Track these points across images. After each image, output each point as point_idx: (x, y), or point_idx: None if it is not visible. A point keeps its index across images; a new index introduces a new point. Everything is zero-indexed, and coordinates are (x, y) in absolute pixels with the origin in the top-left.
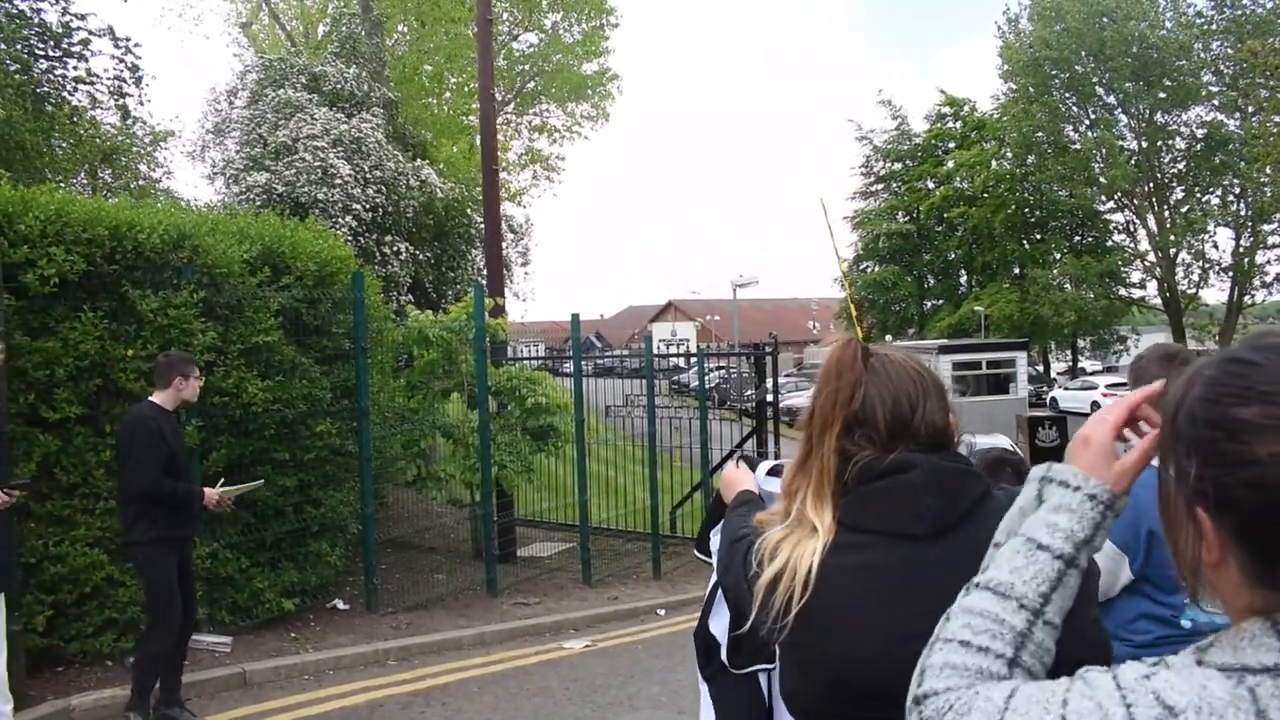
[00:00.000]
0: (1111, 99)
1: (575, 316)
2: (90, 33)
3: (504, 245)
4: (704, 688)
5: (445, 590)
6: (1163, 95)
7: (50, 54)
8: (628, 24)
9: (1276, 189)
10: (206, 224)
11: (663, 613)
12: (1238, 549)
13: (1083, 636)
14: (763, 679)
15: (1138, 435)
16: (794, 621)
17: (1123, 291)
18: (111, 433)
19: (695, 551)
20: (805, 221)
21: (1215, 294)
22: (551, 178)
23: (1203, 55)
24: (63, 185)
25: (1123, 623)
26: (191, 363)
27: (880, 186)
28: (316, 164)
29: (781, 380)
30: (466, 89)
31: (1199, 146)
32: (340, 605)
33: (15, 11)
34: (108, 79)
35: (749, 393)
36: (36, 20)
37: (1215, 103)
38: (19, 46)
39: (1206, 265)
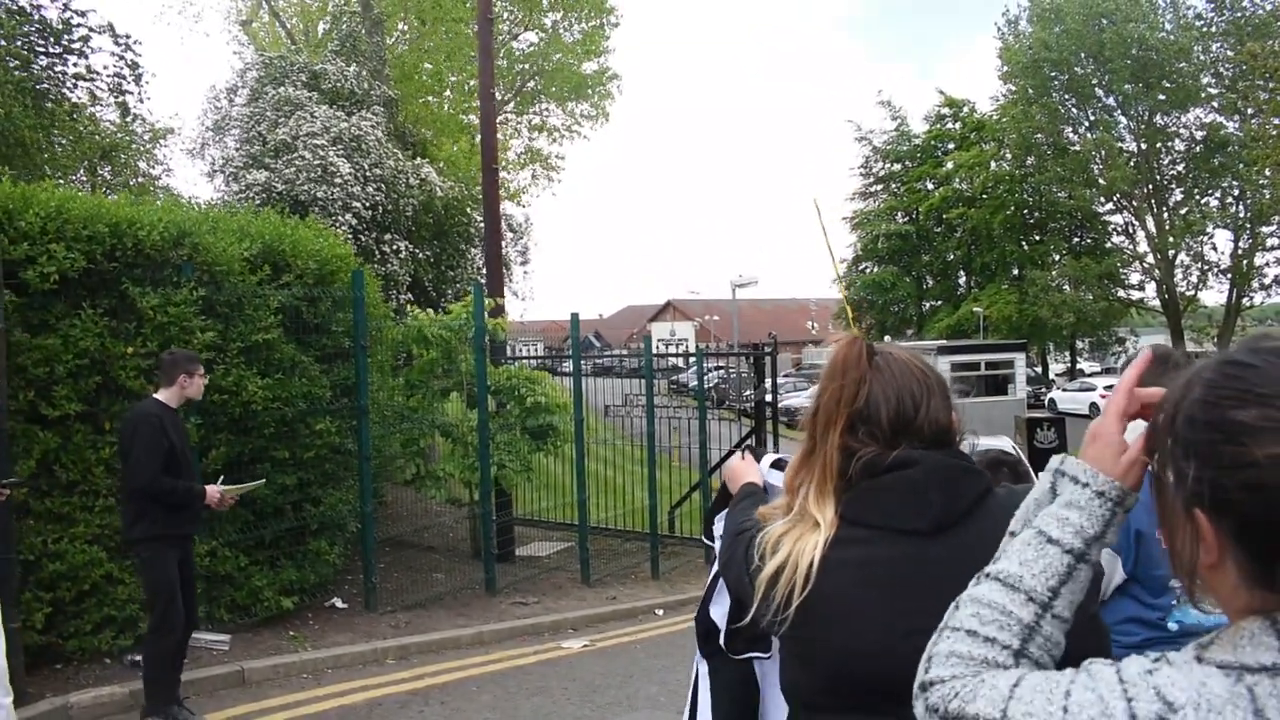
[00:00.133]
0: (1111, 101)
1: (574, 316)
2: (90, 29)
3: (503, 244)
4: (701, 665)
5: (444, 589)
6: (1162, 97)
7: (50, 50)
8: (628, 24)
9: (1275, 191)
10: (206, 222)
11: (661, 613)
12: (1236, 550)
13: (1083, 631)
14: (757, 666)
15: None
16: (795, 614)
17: (1121, 293)
18: (111, 430)
19: (703, 537)
20: (805, 222)
21: (1214, 296)
22: (551, 177)
23: (1202, 57)
24: (62, 182)
25: (1111, 624)
26: (196, 360)
27: (879, 187)
28: (316, 162)
29: (780, 380)
30: (466, 87)
31: (1198, 148)
32: (339, 604)
33: (15, 8)
34: (108, 76)
35: (748, 393)
36: (37, 17)
37: (1215, 105)
38: (19, 43)
39: (1205, 267)
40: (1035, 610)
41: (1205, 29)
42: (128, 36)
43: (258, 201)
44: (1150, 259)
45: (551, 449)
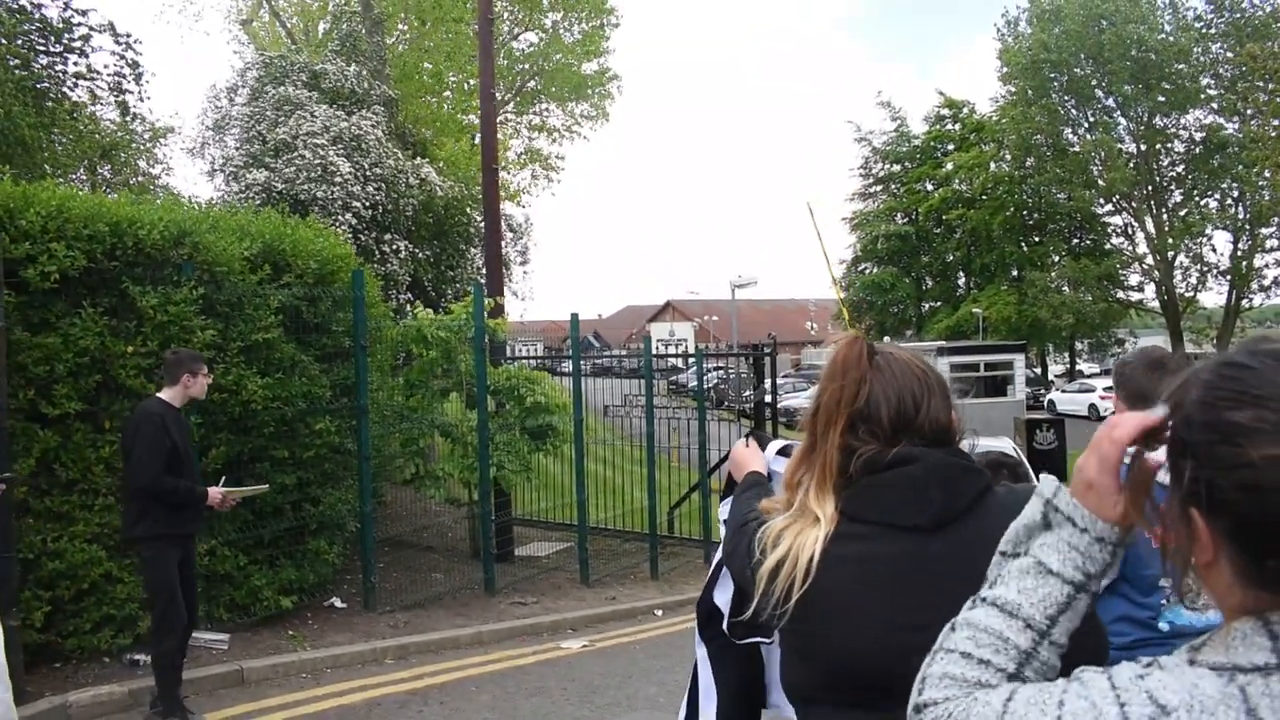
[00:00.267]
0: (1110, 102)
1: (574, 316)
2: (91, 28)
3: (503, 244)
4: (701, 650)
5: (443, 589)
6: (1161, 98)
7: (51, 49)
8: (628, 24)
9: (1275, 192)
10: (207, 221)
11: (660, 613)
12: (1230, 549)
13: (1082, 630)
14: (763, 650)
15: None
16: (795, 608)
17: (1121, 294)
18: (111, 429)
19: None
20: (804, 222)
21: (1213, 297)
22: (551, 177)
23: (1202, 58)
24: (62, 181)
25: None
26: (200, 360)
27: (879, 188)
28: (316, 161)
29: (780, 381)
30: (466, 87)
31: (1197, 150)
32: (338, 603)
33: (16, 7)
34: (108, 75)
35: (747, 393)
36: (37, 15)
37: (1214, 106)
38: (19, 42)
39: (1204, 268)
40: (1033, 637)
41: (1205, 30)
42: (128, 35)
43: (258, 201)
44: (1149, 260)
45: (551, 449)
